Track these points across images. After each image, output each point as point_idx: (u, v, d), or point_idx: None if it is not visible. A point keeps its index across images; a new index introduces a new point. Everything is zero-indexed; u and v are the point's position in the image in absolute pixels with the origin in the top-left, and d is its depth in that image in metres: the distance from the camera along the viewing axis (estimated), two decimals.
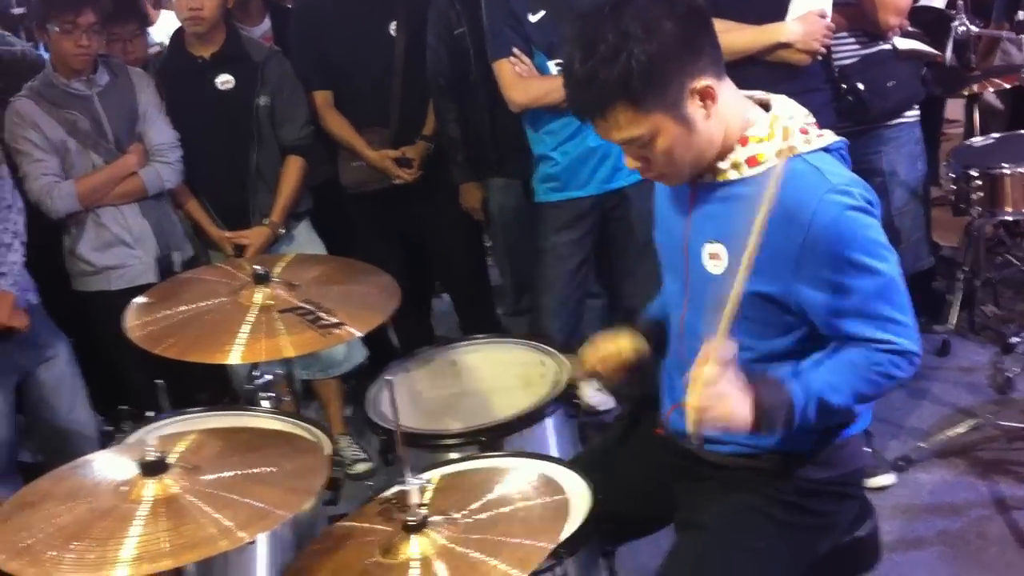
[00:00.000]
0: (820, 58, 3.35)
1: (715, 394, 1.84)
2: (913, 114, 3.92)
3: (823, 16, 3.30)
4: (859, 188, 1.91)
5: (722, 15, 3.27)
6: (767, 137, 1.94)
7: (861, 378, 1.92)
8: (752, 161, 1.94)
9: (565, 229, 3.60)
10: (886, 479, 3.41)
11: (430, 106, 4.01)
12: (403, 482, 1.94)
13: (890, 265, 1.90)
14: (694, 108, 1.89)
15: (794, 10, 3.29)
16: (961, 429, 3.55)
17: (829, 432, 2.03)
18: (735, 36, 3.26)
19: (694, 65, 1.88)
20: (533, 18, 3.41)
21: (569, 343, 2.53)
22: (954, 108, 5.47)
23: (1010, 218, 3.79)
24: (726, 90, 1.94)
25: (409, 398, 2.84)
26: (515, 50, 3.43)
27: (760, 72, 3.21)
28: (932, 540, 3.17)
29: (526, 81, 3.44)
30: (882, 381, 1.93)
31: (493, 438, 2.55)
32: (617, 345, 2.26)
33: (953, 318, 4.24)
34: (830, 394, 1.90)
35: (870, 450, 3.48)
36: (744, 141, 1.95)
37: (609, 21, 1.85)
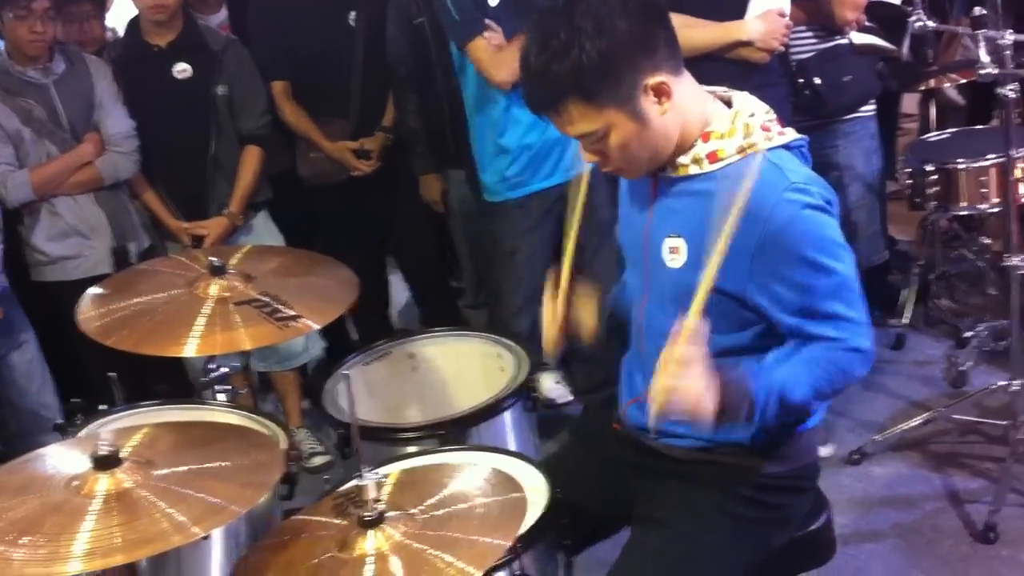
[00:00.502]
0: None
1: (686, 376, 1.83)
2: (869, 109, 3.96)
3: (782, 15, 3.32)
4: (818, 187, 1.92)
5: (682, 10, 3.30)
6: (728, 133, 1.95)
7: (820, 375, 1.93)
8: (713, 156, 1.94)
9: (533, 227, 3.57)
10: (826, 450, 3.45)
11: (390, 97, 3.99)
12: (360, 477, 1.93)
13: (846, 265, 1.92)
14: (648, 104, 1.89)
15: (754, 8, 3.31)
16: (915, 422, 3.58)
17: (784, 427, 2.05)
18: (695, 32, 3.27)
19: (648, 61, 1.88)
20: (492, 2, 3.38)
21: (534, 337, 2.52)
22: (910, 103, 5.52)
23: (965, 213, 3.82)
24: (684, 86, 1.95)
25: (367, 391, 2.82)
26: (488, 22, 3.35)
27: (718, 67, 3.23)
28: (886, 533, 3.21)
29: (504, 55, 3.32)
30: (840, 378, 1.95)
31: (451, 431, 2.54)
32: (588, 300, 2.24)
33: (908, 312, 4.29)
34: (790, 390, 1.91)
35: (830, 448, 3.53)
36: (706, 137, 1.96)
37: (563, 16, 1.86)
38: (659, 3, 1.95)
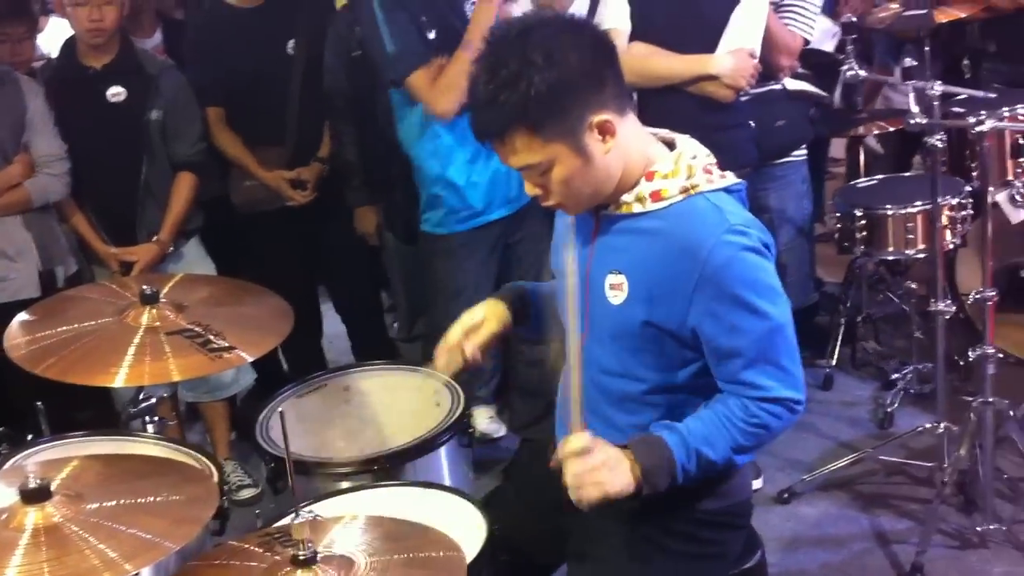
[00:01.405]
0: (743, 96, 3.41)
1: (587, 466, 1.88)
2: (801, 153, 4.03)
3: (753, 56, 3.36)
4: (756, 230, 1.95)
5: (649, 40, 3.34)
6: (671, 173, 1.97)
7: (738, 431, 1.95)
8: (656, 196, 1.96)
9: (479, 262, 3.57)
10: (757, 482, 3.49)
11: (326, 127, 3.97)
12: (295, 514, 1.90)
13: (780, 310, 1.93)
14: (592, 141, 1.91)
15: (724, 46, 3.35)
16: (843, 463, 3.63)
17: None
18: (663, 61, 3.31)
19: (595, 97, 1.90)
20: (430, 35, 3.38)
21: (472, 373, 2.50)
22: (838, 147, 5.63)
23: (891, 257, 3.90)
24: (628, 125, 1.96)
25: (300, 423, 2.79)
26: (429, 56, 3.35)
27: (683, 101, 3.28)
28: (815, 572, 3.23)
29: (442, 85, 3.32)
30: (760, 433, 1.96)
31: (385, 467, 2.52)
32: (477, 317, 2.21)
33: (836, 353, 4.35)
34: (708, 449, 1.94)
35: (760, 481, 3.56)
36: (649, 176, 1.97)
37: (515, 47, 1.88)
38: (610, 42, 1.97)
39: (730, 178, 2.01)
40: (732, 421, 1.94)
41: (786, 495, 3.56)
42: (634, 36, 3.36)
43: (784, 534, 3.39)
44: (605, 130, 1.91)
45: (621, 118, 1.94)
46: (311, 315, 4.21)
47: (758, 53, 3.38)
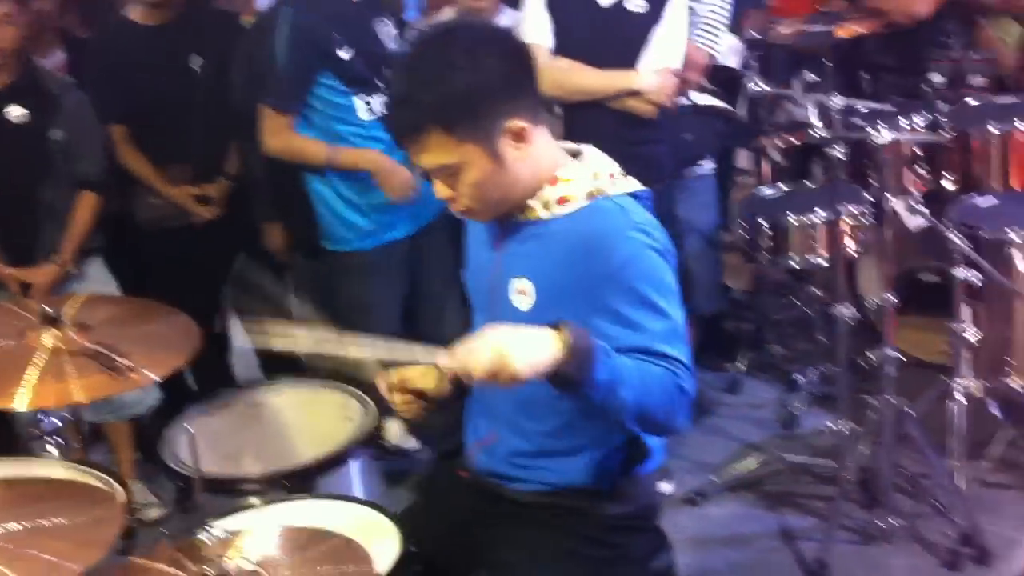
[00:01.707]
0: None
1: (501, 338, 1.76)
2: (709, 166, 4.11)
3: (675, 73, 3.42)
4: (660, 233, 1.98)
5: (570, 56, 3.39)
6: (577, 179, 2.00)
7: (653, 390, 1.85)
8: (562, 200, 1.99)
9: (384, 278, 3.56)
10: (667, 487, 3.50)
11: (233, 144, 3.94)
12: (204, 530, 1.89)
13: (679, 313, 1.96)
14: (506, 146, 1.93)
15: (647, 63, 3.40)
16: (750, 463, 3.71)
17: (627, 469, 2.10)
18: (587, 75, 3.37)
19: (512, 103, 1.93)
20: (344, 55, 3.39)
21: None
22: (743, 158, 5.73)
23: (795, 265, 3.97)
24: (540, 134, 2.00)
25: (208, 440, 2.75)
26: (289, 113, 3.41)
27: (604, 115, 3.34)
28: (723, 572, 3.30)
29: (285, 148, 3.44)
30: (667, 405, 1.88)
31: (296, 482, 2.51)
32: (417, 373, 2.18)
33: (743, 357, 4.43)
34: (621, 384, 1.81)
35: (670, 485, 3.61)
36: (554, 181, 2.00)
37: (437, 48, 1.92)
38: (529, 51, 2.01)
39: (634, 184, 2.05)
40: (651, 378, 1.85)
41: (695, 496, 3.62)
42: (555, 52, 3.42)
43: (694, 535, 3.44)
44: (520, 136, 1.94)
45: (534, 127, 1.97)
46: (218, 331, 4.17)
47: (680, 70, 3.46)
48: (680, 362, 1.91)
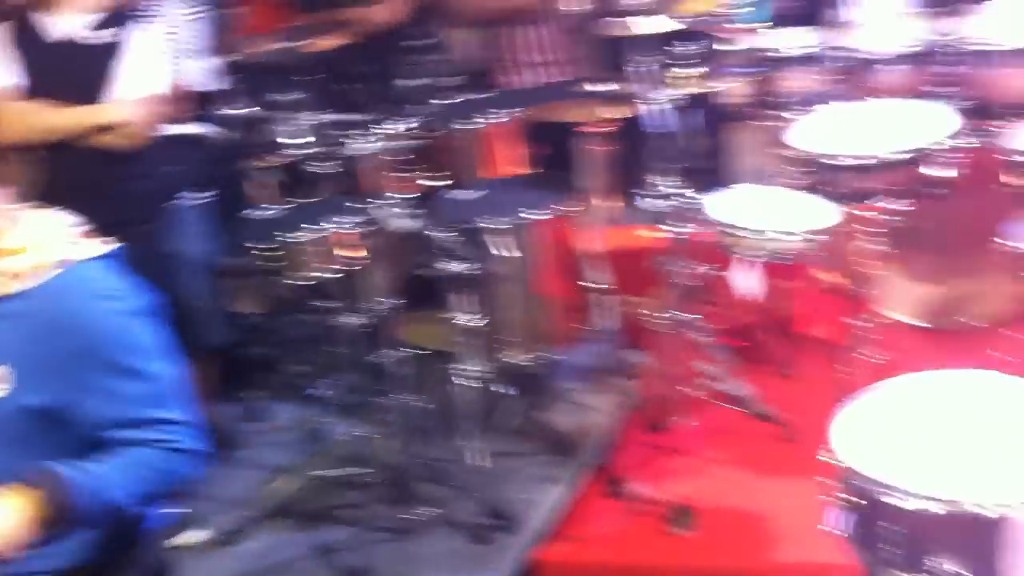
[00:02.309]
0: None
1: None
2: (197, 195, 4.01)
3: (156, 102, 3.31)
4: (133, 293, 1.92)
5: (35, 96, 3.21)
6: (34, 249, 1.88)
7: (140, 478, 1.87)
8: (18, 275, 1.87)
9: None
10: (201, 534, 3.43)
11: None
12: None
13: (165, 366, 1.92)
14: None
15: (124, 91, 3.26)
16: (282, 488, 3.68)
17: (122, 536, 1.99)
18: (52, 114, 3.18)
19: None
20: None
21: None
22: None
23: (308, 281, 3.97)
24: None
25: None
26: None
27: (90, 159, 3.18)
28: None
29: None
30: (168, 479, 1.92)
31: None
32: None
33: (263, 383, 4.39)
34: (107, 491, 1.82)
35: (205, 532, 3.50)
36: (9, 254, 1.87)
37: None
38: None
39: (102, 246, 1.96)
40: (134, 468, 1.85)
41: (230, 535, 3.52)
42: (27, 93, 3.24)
43: (235, 574, 3.36)
44: None
45: None
46: None
47: (153, 99, 3.36)
48: (172, 421, 1.89)
